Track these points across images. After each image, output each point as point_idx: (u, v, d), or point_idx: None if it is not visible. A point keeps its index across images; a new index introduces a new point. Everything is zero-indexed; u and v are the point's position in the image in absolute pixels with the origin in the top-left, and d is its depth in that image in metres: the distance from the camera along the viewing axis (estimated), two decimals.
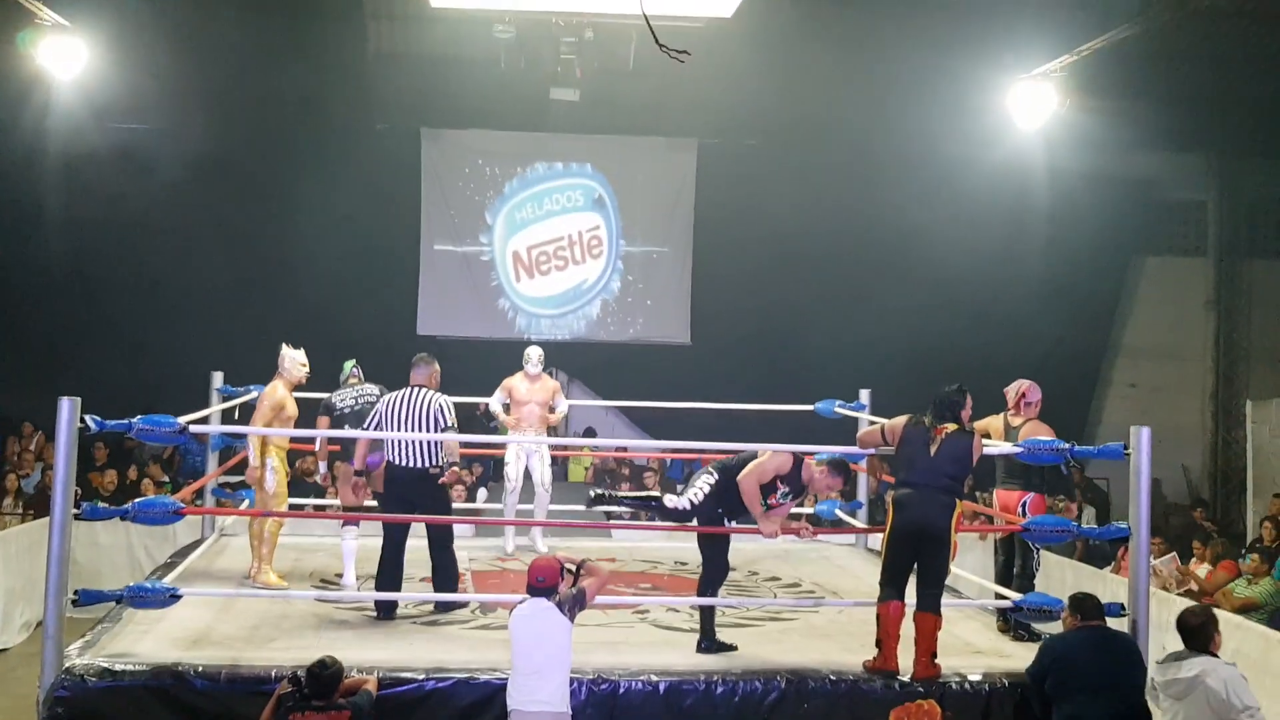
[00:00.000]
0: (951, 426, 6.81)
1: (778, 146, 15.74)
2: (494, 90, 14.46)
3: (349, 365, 8.87)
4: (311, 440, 9.07)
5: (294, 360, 8.54)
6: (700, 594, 7.11)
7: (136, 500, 7.03)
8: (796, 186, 15.61)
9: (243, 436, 9.35)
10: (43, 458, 13.31)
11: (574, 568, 6.31)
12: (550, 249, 16.20)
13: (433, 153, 15.97)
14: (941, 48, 13.74)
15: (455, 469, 7.89)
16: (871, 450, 7.67)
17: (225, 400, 9.92)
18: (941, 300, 15.42)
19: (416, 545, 7.92)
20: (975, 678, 6.71)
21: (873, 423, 9.29)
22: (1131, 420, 8.03)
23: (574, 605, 6.14)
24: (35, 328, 14.92)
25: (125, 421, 6.67)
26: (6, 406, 14.47)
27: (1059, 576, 10.60)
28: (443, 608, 7.77)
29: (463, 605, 7.83)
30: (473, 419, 13.87)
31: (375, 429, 7.81)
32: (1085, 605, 6.52)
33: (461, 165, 16.07)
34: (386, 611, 7.63)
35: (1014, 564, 8.27)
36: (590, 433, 15.79)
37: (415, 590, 8.17)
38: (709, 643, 7.00)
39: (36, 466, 13.30)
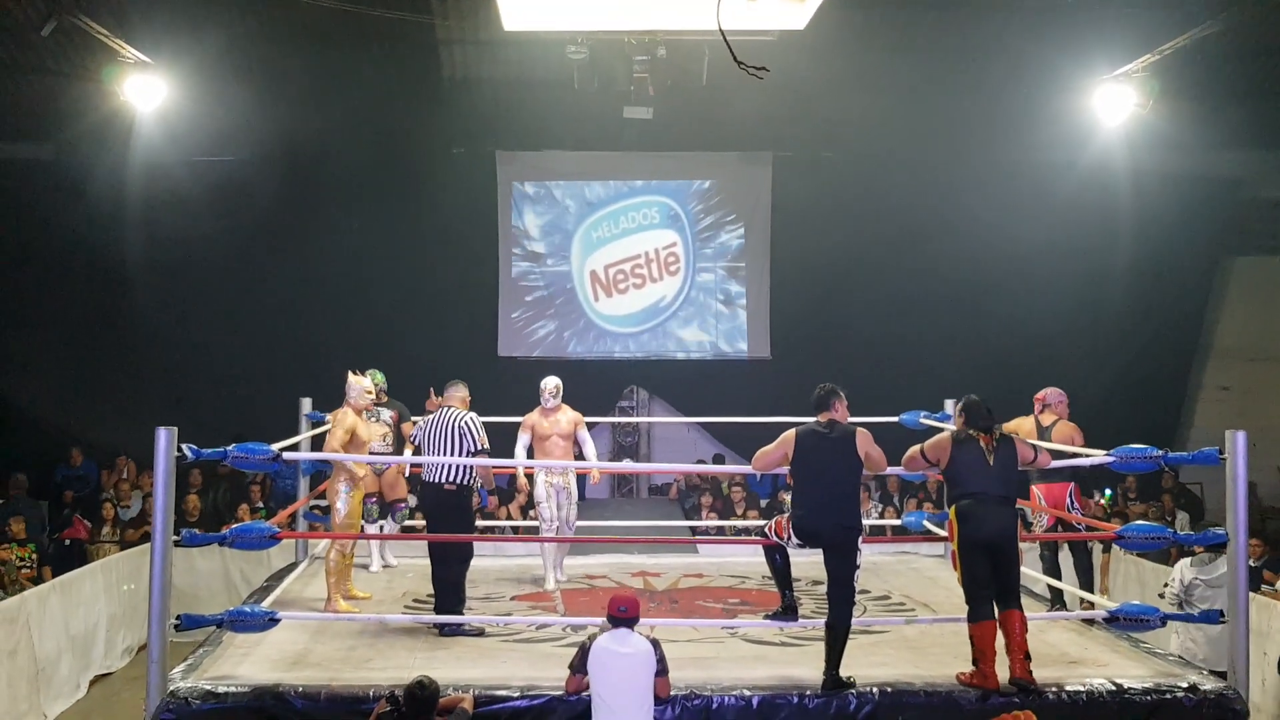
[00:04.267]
0: (996, 433, 6.90)
1: (854, 158, 15.65)
2: (568, 111, 14.55)
3: (379, 377, 9.43)
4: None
5: (360, 389, 8.69)
6: (840, 623, 6.66)
7: (234, 526, 7.19)
8: (873, 197, 15.53)
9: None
10: (139, 486, 13.59)
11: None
12: (628, 267, 16.23)
13: (508, 175, 16.08)
14: (1018, 53, 13.60)
15: (494, 498, 8.16)
16: (920, 471, 7.65)
17: (314, 426, 10.09)
18: (1026, 306, 15.22)
19: (486, 565, 8.02)
20: (1073, 688, 6.64)
21: None
22: (1224, 423, 7.93)
23: (663, 667, 6.16)
24: (123, 360, 15.11)
25: (220, 450, 6.84)
26: (102, 440, 14.72)
27: (1154, 584, 10.40)
28: (445, 627, 7.74)
29: (462, 625, 7.75)
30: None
31: (416, 452, 8.35)
32: None
33: (537, 186, 16.19)
34: (447, 629, 7.73)
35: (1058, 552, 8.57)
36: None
37: (505, 607, 8.24)
38: (833, 675, 6.60)
39: (134, 495, 13.57)
